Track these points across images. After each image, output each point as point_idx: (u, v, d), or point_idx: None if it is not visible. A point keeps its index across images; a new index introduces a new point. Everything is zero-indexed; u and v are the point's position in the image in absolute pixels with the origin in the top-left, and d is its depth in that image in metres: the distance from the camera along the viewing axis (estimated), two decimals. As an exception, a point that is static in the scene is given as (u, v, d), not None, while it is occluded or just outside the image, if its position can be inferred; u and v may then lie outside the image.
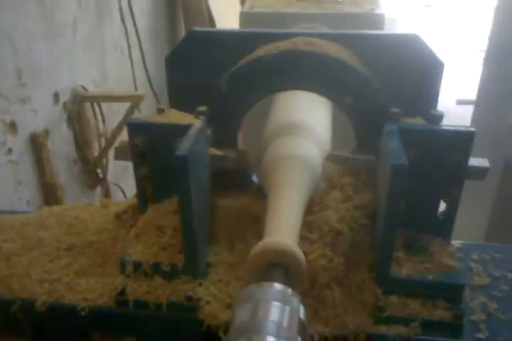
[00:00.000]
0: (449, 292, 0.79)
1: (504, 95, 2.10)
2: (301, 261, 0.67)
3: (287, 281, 0.63)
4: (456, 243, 0.94)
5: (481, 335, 0.77)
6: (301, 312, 0.59)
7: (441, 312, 0.78)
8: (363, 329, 0.77)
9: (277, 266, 0.66)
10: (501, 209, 2.13)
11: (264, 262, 0.66)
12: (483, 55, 2.59)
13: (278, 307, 0.57)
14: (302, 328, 0.57)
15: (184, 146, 0.76)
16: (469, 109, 3.66)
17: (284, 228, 0.72)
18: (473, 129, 0.81)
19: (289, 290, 0.61)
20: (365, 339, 0.76)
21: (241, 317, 0.56)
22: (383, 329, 0.77)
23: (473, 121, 2.49)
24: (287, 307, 0.58)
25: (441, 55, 0.88)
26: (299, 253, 0.67)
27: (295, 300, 0.60)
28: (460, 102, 4.38)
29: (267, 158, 0.86)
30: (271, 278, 0.63)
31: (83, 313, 0.79)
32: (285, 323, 0.56)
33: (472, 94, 4.14)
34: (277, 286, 0.61)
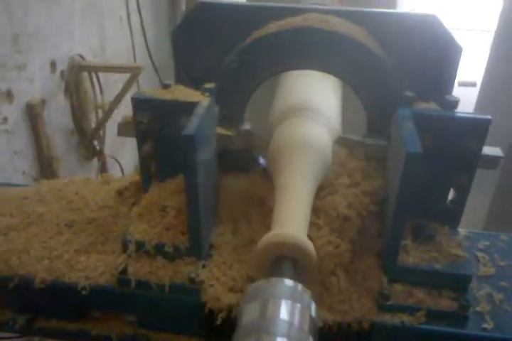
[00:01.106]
0: (456, 282, 0.78)
1: (511, 78, 2.06)
2: (312, 255, 0.64)
3: (297, 275, 0.61)
4: (462, 231, 0.92)
5: (486, 326, 0.77)
6: (313, 310, 0.57)
7: (446, 302, 0.77)
8: (367, 317, 0.76)
9: (286, 260, 0.63)
10: (502, 197, 2.13)
11: (272, 255, 0.63)
12: (485, 35, 2.54)
13: (289, 305, 0.54)
14: (313, 326, 0.55)
15: (192, 125, 0.73)
16: (471, 91, 3.64)
17: (293, 219, 0.69)
18: (489, 117, 0.78)
19: (300, 286, 0.58)
20: (368, 327, 0.76)
21: (249, 316, 0.54)
22: (387, 318, 0.76)
23: (478, 104, 2.45)
24: (298, 305, 0.55)
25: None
26: (310, 246, 0.65)
27: (306, 297, 0.57)
28: (462, 84, 4.34)
29: (275, 143, 0.84)
30: (280, 273, 0.60)
31: (84, 292, 0.78)
32: (296, 322, 0.53)
33: (474, 76, 4.11)
34: (287, 282, 0.58)
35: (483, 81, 2.43)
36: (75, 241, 0.86)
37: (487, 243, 0.94)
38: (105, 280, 0.79)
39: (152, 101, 0.83)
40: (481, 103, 2.45)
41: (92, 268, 0.81)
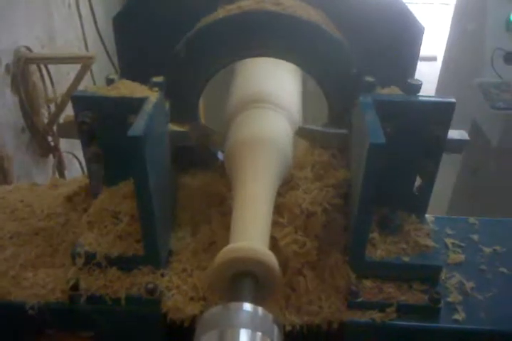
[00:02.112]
0: (426, 274, 0.76)
1: (472, 52, 2.04)
2: (274, 269, 0.59)
3: (258, 292, 0.57)
4: (429, 217, 0.90)
5: (458, 317, 0.75)
6: (275, 336, 0.52)
7: (417, 296, 0.75)
8: (336, 316, 0.73)
9: (246, 277, 0.57)
10: (466, 177, 2.12)
11: (230, 272, 0.58)
12: (445, 8, 2.52)
13: (248, 335, 0.50)
14: None
15: (139, 124, 0.67)
16: (431, 66, 3.65)
17: (252, 228, 0.63)
18: (453, 100, 0.75)
19: (260, 310, 0.53)
20: (338, 327, 0.73)
21: None
22: (358, 315, 0.73)
23: (441, 80, 2.44)
24: (259, 334, 0.51)
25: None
26: (271, 259, 0.59)
27: (267, 323, 0.53)
28: (422, 59, 4.35)
29: (231, 140, 0.78)
30: (239, 294, 0.55)
31: (32, 312, 0.72)
32: None
33: (433, 50, 4.11)
34: (246, 307, 0.53)
35: (444, 55, 2.41)
36: (21, 254, 0.79)
37: (455, 228, 0.92)
38: (55, 298, 0.73)
39: (95, 98, 0.76)
40: (443, 78, 2.44)
41: (41, 284, 0.74)
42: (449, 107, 0.74)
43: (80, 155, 2.17)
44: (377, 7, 0.80)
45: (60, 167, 1.96)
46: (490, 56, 1.93)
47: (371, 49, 0.82)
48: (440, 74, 2.45)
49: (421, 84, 0.78)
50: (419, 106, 0.75)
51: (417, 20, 0.80)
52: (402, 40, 0.82)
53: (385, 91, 0.78)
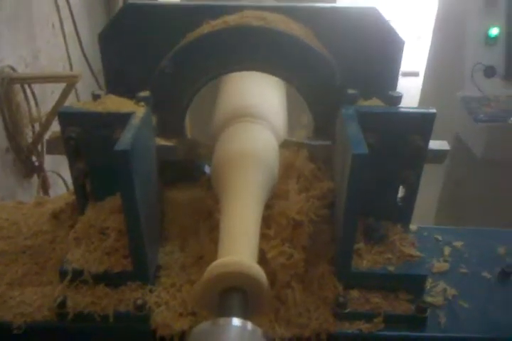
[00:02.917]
0: (411, 283, 0.76)
1: (453, 67, 2.08)
2: (262, 285, 0.58)
3: (247, 309, 0.56)
4: (414, 227, 0.91)
5: (444, 326, 0.75)
6: None
7: (403, 305, 0.75)
8: (324, 328, 0.72)
9: (235, 292, 0.57)
10: (451, 189, 2.14)
11: (218, 287, 0.57)
12: (427, 25, 2.56)
13: None
14: None
15: (125, 139, 0.67)
16: (414, 81, 3.71)
17: (240, 243, 0.63)
18: (433, 110, 0.76)
19: (249, 325, 0.53)
20: (327, 338, 0.72)
21: None
22: (346, 326, 0.73)
23: (423, 95, 2.47)
24: None
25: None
26: (260, 275, 0.59)
27: (257, 337, 0.52)
28: (405, 74, 4.41)
29: (218, 155, 0.78)
30: (228, 310, 0.55)
31: (18, 331, 0.70)
32: None
33: (416, 66, 4.18)
34: (235, 322, 0.53)
35: (426, 70, 2.45)
36: (7, 273, 0.78)
37: (440, 237, 0.93)
38: (42, 316, 0.71)
39: (81, 114, 0.76)
40: (425, 93, 2.48)
41: (28, 303, 0.73)
42: (430, 118, 0.76)
43: (65, 173, 2.16)
44: (358, 21, 0.82)
45: (44, 186, 1.94)
46: (470, 70, 1.97)
47: (353, 62, 0.83)
48: (422, 89, 2.48)
49: (401, 96, 0.79)
50: (400, 117, 0.77)
51: (397, 34, 0.82)
52: (383, 53, 0.83)
53: (367, 103, 0.80)
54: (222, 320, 0.53)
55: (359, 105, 0.79)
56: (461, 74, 2.00)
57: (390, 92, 0.79)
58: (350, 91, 0.79)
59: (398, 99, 0.79)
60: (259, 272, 0.59)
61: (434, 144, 0.82)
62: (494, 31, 1.99)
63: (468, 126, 1.94)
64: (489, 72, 1.99)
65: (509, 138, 1.85)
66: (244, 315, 0.54)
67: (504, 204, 1.95)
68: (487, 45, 2.00)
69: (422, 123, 0.76)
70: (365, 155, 0.66)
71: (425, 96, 2.46)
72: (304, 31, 0.83)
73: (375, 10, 0.81)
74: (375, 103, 0.79)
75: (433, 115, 0.76)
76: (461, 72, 2.01)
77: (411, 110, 0.77)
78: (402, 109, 0.77)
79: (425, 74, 2.48)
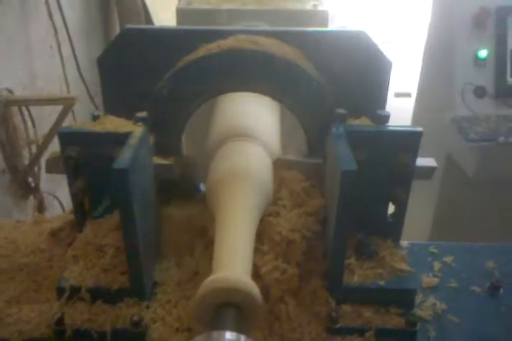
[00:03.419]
0: (401, 298, 0.78)
1: (444, 87, 2.12)
2: (256, 300, 0.60)
3: (241, 323, 0.57)
4: (405, 243, 0.93)
5: (432, 339, 0.77)
6: None
7: (394, 320, 0.76)
8: (316, 343, 0.73)
9: (229, 307, 0.58)
10: (445, 207, 2.17)
11: (213, 303, 0.59)
12: (419, 46, 2.61)
13: None
14: None
15: (124, 158, 0.69)
16: (407, 102, 3.75)
17: (234, 259, 0.64)
18: (420, 129, 0.79)
19: (243, 338, 0.54)
20: None
21: None
22: None
23: (415, 115, 2.51)
24: None
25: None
26: (253, 290, 0.60)
27: None
28: (398, 95, 4.47)
29: (213, 174, 0.80)
30: (222, 324, 0.56)
31: (16, 349, 0.71)
32: None
33: (409, 86, 4.23)
34: (228, 336, 0.54)
35: (417, 92, 2.50)
36: (5, 291, 0.79)
37: (430, 252, 0.94)
38: (40, 333, 0.72)
39: (81, 134, 0.78)
40: (417, 114, 2.52)
41: (25, 320, 0.74)
42: (416, 136, 0.78)
43: (61, 195, 2.17)
44: (347, 44, 0.85)
45: (40, 207, 1.95)
46: (460, 91, 2.02)
47: (343, 83, 0.86)
48: (414, 110, 2.53)
49: (389, 115, 0.82)
50: (388, 135, 0.79)
51: (384, 55, 0.85)
52: (371, 74, 0.86)
53: (357, 122, 0.83)
54: (215, 333, 0.54)
55: (349, 124, 0.81)
56: (452, 95, 2.05)
57: (379, 111, 0.82)
58: (340, 110, 0.82)
59: (386, 118, 0.81)
60: (253, 288, 0.60)
61: (422, 161, 0.85)
62: (483, 53, 2.04)
63: (459, 146, 1.98)
64: (479, 92, 2.03)
65: (500, 158, 1.88)
66: (238, 329, 0.55)
67: (496, 221, 1.97)
68: (476, 67, 2.05)
69: (409, 142, 0.78)
70: (354, 172, 0.68)
71: (417, 116, 2.50)
72: (296, 54, 0.86)
73: (363, 33, 0.85)
74: (364, 122, 0.82)
75: (419, 133, 0.78)
76: (451, 92, 2.05)
77: (398, 129, 0.80)
78: (390, 128, 0.80)
79: (417, 95, 2.53)
